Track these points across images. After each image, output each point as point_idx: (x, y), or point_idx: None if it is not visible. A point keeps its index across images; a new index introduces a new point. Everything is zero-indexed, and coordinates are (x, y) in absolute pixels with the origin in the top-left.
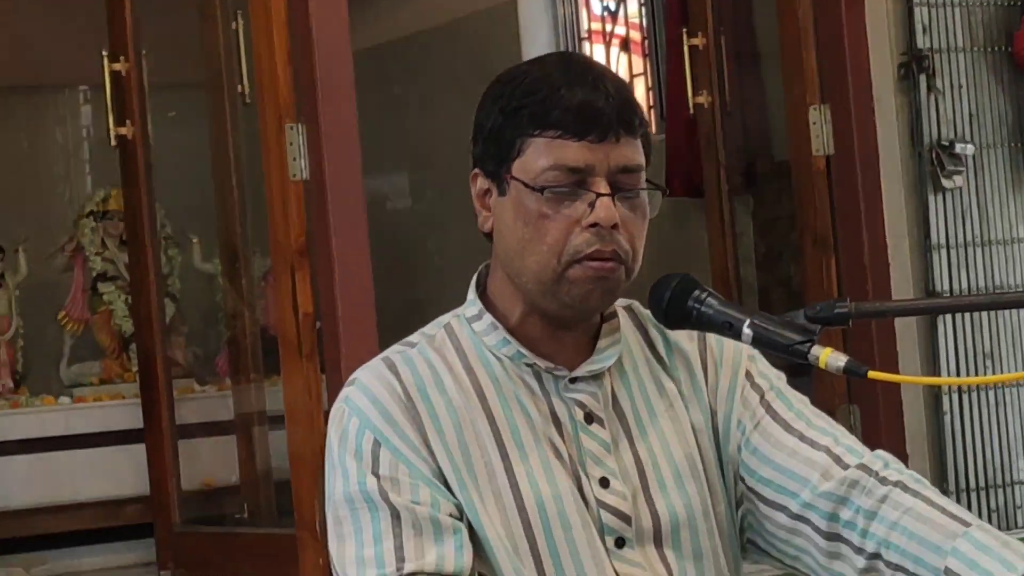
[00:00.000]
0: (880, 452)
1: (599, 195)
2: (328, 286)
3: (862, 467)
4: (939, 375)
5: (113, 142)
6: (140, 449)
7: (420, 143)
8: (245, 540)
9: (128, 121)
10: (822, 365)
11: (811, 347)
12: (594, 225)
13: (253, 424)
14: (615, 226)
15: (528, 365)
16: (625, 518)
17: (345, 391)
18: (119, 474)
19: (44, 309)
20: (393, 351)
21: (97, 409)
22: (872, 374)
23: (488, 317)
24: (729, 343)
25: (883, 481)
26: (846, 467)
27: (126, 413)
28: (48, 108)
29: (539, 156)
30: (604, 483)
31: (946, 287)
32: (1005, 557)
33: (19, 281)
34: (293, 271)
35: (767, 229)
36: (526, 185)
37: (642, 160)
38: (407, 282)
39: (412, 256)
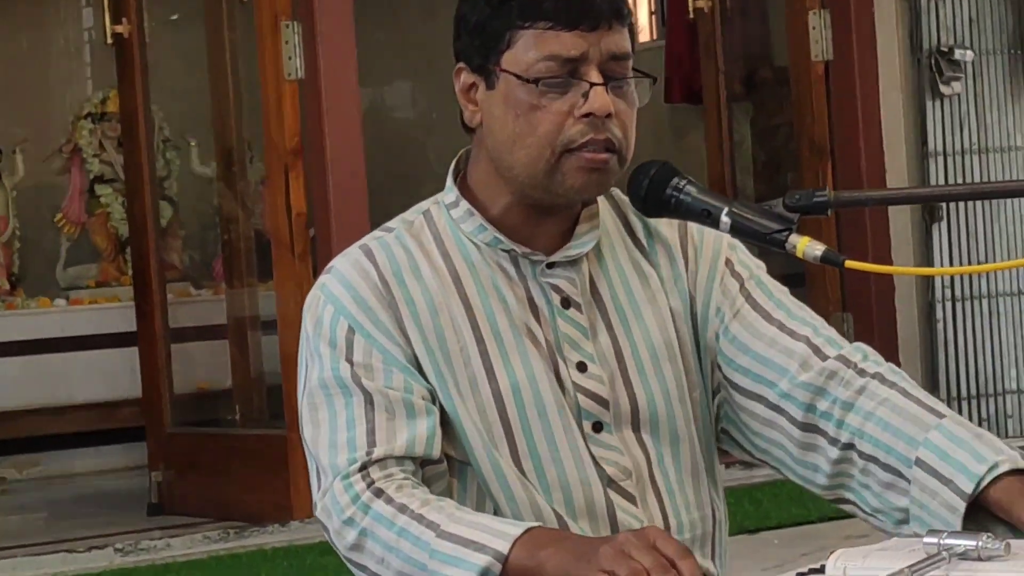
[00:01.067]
0: (859, 344)
1: (593, 84)
2: (322, 186)
3: (841, 358)
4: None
5: (109, 40)
6: (135, 352)
7: (421, 51)
8: (236, 441)
9: (125, 19)
10: (799, 254)
11: (789, 235)
12: (588, 115)
13: (247, 328)
14: (609, 115)
15: (505, 251)
16: (603, 402)
17: (321, 278)
18: (114, 377)
19: (41, 211)
20: (371, 237)
21: (93, 311)
22: (849, 263)
23: (464, 204)
24: (710, 231)
25: (861, 373)
26: (825, 358)
27: (121, 316)
28: (50, 10)
29: (530, 48)
30: (582, 367)
31: None
32: (976, 449)
33: (16, 182)
34: (287, 171)
35: (766, 137)
36: (519, 77)
37: (630, 48)
38: (406, 189)
39: (412, 163)
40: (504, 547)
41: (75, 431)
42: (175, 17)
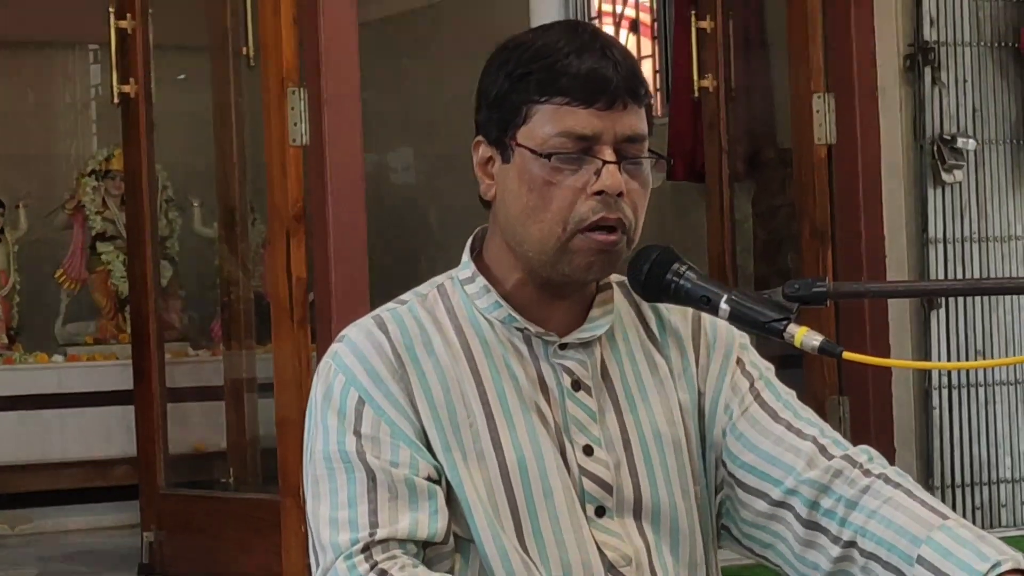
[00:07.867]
0: (865, 446)
1: (605, 162)
2: (323, 253)
3: (847, 458)
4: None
5: (115, 99)
6: (131, 410)
7: (427, 117)
8: (229, 504)
9: (132, 79)
10: (797, 344)
11: (787, 325)
12: (600, 192)
13: (243, 390)
14: (620, 194)
15: (519, 329)
16: (607, 487)
17: (334, 347)
18: (109, 434)
19: (42, 266)
20: (384, 309)
21: (90, 368)
22: (847, 355)
23: (481, 280)
24: (722, 328)
25: (867, 473)
26: (831, 457)
27: (119, 374)
28: (57, 66)
29: (546, 123)
30: (588, 451)
31: None
32: (980, 549)
33: (18, 237)
34: (288, 236)
35: (767, 218)
36: (533, 152)
37: (646, 129)
38: (407, 255)
39: (414, 230)
40: None
41: (68, 488)
42: (182, 77)
